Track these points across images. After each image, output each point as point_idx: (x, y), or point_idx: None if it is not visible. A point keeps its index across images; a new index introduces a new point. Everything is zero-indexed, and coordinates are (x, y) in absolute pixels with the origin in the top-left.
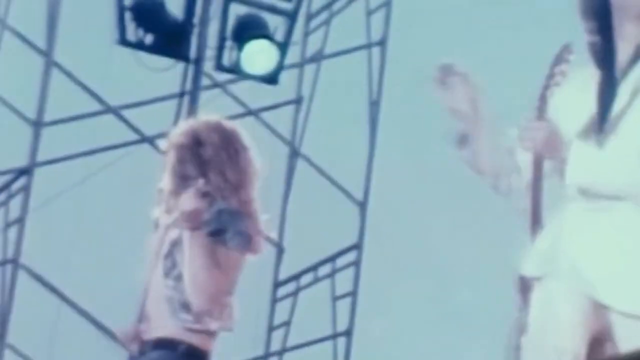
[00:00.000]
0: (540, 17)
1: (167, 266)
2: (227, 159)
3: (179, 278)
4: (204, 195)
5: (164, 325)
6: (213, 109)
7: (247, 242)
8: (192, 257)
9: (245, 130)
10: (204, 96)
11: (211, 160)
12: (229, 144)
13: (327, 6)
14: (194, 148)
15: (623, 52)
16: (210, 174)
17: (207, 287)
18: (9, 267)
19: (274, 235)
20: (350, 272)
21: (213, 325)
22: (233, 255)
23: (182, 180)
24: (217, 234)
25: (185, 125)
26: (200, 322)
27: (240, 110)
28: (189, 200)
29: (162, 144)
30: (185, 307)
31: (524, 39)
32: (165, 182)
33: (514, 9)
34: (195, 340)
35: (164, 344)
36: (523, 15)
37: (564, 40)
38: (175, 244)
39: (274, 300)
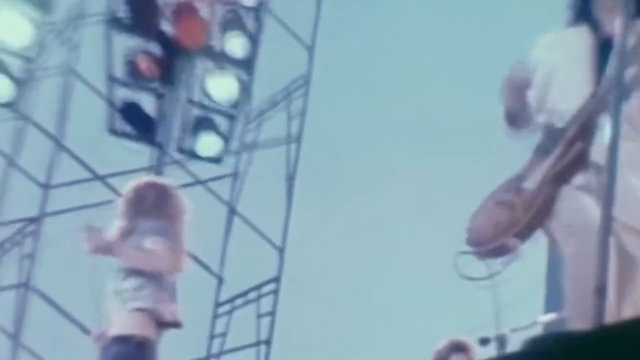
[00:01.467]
0: None
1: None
2: (160, 203)
3: (126, 275)
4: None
5: (119, 323)
6: (174, 179)
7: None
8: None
9: (193, 195)
10: (168, 170)
11: (150, 205)
12: (163, 193)
13: (259, 114)
14: (136, 199)
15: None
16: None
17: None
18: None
19: (216, 269)
20: (271, 297)
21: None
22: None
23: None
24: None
25: (132, 183)
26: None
27: (192, 180)
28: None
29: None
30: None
31: None
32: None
33: None
34: (145, 333)
35: (120, 340)
36: None
37: None
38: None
39: (215, 316)
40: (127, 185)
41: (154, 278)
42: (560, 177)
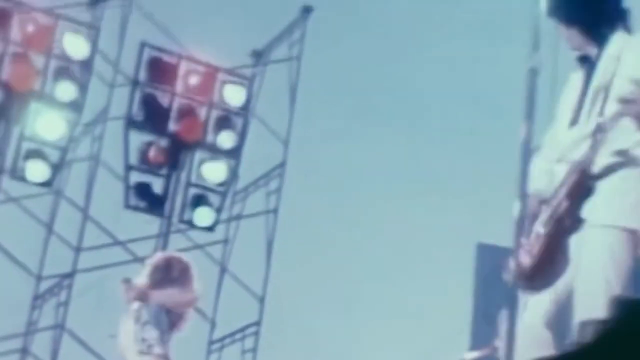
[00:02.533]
0: None
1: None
2: (183, 277)
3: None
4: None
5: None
6: (177, 244)
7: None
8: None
9: (192, 257)
10: (173, 237)
11: (175, 277)
12: (186, 270)
13: (243, 189)
14: (165, 267)
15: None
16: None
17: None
18: (58, 331)
19: (210, 314)
20: (252, 337)
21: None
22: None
23: (153, 282)
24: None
25: (161, 253)
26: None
27: (192, 245)
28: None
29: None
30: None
31: None
32: (142, 278)
33: None
34: None
35: None
36: None
37: None
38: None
39: (209, 352)
40: (158, 255)
41: (167, 331)
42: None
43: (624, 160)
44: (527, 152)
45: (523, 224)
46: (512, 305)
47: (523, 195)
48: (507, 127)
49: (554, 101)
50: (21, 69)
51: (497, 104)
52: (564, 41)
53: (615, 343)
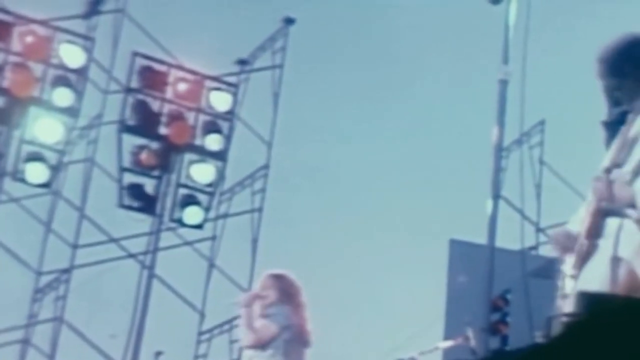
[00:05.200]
0: None
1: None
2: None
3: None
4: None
5: None
6: (168, 241)
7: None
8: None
9: (182, 253)
10: (164, 235)
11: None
12: (292, 285)
13: (230, 189)
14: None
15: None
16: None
17: None
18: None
19: (199, 307)
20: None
21: None
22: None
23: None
24: None
25: (269, 272)
26: None
27: (182, 242)
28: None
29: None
30: None
31: None
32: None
33: None
34: None
35: None
36: None
37: None
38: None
39: (198, 342)
40: (280, 273)
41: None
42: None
43: None
44: (499, 153)
45: (495, 222)
46: (486, 296)
47: (496, 195)
48: (481, 130)
49: (522, 108)
50: (21, 77)
51: (470, 109)
52: (530, 54)
53: (581, 336)
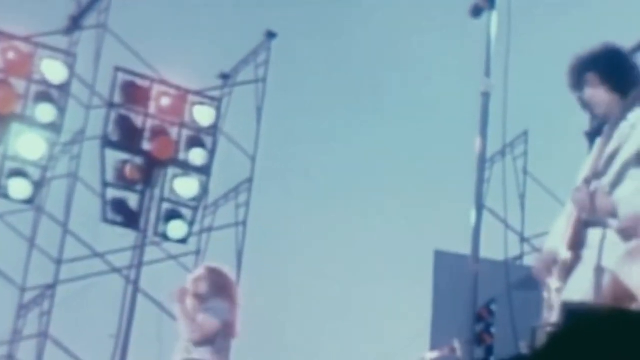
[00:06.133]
0: None
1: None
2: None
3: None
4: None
5: None
6: (152, 255)
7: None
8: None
9: (166, 268)
10: (148, 249)
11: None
12: (225, 279)
13: (214, 203)
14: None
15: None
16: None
17: None
18: (42, 339)
19: None
20: None
21: None
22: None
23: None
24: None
25: (206, 265)
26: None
27: (166, 256)
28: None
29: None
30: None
31: None
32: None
33: None
34: None
35: None
36: None
37: None
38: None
39: None
40: (214, 266)
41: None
42: None
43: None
44: (482, 164)
45: (479, 232)
46: (470, 309)
47: (479, 205)
48: (464, 142)
49: (504, 120)
50: (3, 93)
51: (453, 121)
52: (512, 66)
53: (565, 347)
